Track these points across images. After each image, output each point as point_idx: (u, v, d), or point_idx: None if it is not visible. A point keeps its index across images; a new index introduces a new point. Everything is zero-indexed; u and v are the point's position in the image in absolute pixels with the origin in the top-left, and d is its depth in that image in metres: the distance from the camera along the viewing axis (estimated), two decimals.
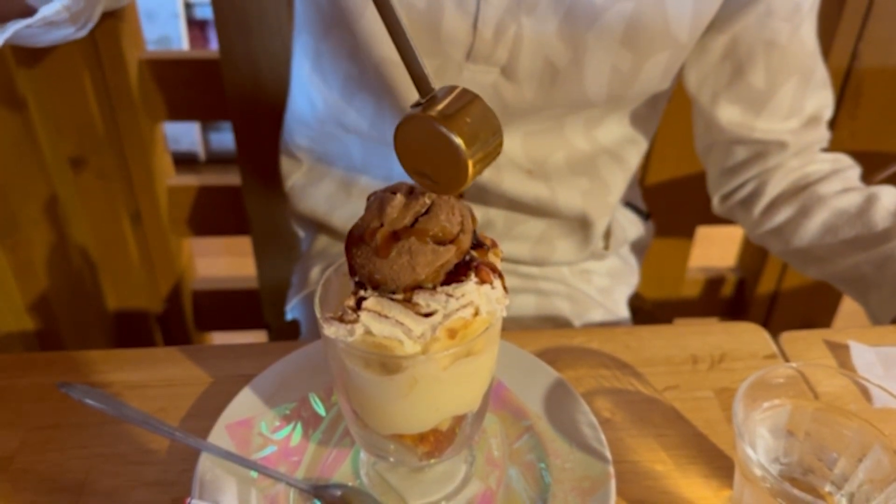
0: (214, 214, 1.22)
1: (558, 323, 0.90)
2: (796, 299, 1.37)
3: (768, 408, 0.53)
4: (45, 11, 0.57)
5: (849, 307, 1.23)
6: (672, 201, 1.22)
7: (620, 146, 0.86)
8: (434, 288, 0.46)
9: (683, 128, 0.95)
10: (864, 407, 0.52)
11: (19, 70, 0.98)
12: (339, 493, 0.55)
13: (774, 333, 0.72)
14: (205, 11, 2.50)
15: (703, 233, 1.30)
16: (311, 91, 0.85)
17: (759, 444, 0.53)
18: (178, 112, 1.11)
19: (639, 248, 1.03)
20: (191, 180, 1.19)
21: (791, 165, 0.84)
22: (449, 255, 0.46)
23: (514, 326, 0.88)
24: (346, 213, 0.90)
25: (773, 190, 0.84)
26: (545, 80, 0.74)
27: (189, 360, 0.68)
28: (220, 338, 1.48)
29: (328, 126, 0.86)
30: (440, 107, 0.43)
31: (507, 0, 0.69)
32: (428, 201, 0.46)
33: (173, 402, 0.64)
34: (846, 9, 1.07)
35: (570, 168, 0.83)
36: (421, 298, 0.45)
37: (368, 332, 0.45)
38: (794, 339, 0.71)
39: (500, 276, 0.47)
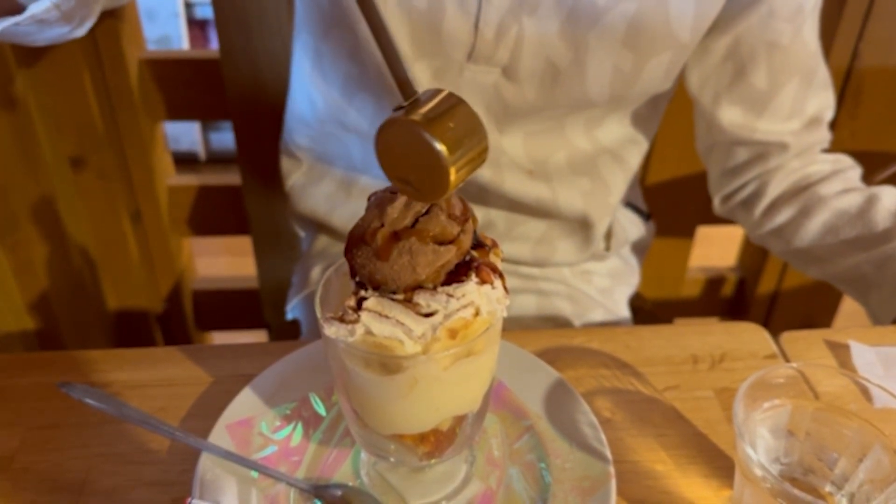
0: (214, 214, 1.22)
1: (559, 323, 0.90)
2: (796, 299, 1.37)
3: (769, 408, 0.53)
4: (33, 9, 0.56)
5: (849, 307, 1.24)
6: (672, 201, 1.22)
7: (621, 146, 0.86)
8: (434, 288, 0.45)
9: (684, 128, 0.95)
10: (865, 407, 0.52)
11: (19, 70, 0.98)
12: (339, 492, 0.55)
13: (775, 333, 0.72)
14: (205, 11, 2.50)
15: (704, 233, 1.30)
16: (311, 90, 0.84)
17: (760, 444, 0.53)
18: (179, 112, 1.11)
19: (639, 249, 1.03)
20: (191, 180, 1.19)
21: (792, 166, 0.84)
22: (449, 256, 0.46)
23: (514, 326, 0.88)
24: (347, 212, 0.90)
25: (773, 191, 0.84)
26: (546, 80, 0.74)
27: (189, 359, 0.68)
28: (220, 337, 1.48)
29: (328, 126, 0.86)
30: (423, 111, 0.42)
31: (508, 0, 0.69)
32: None
33: (173, 401, 0.64)
34: (847, 8, 1.07)
35: (571, 168, 0.83)
36: (421, 298, 0.45)
37: (369, 332, 0.45)
38: (794, 338, 0.71)
39: (501, 277, 0.47)
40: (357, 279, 0.47)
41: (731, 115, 0.81)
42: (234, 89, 1.05)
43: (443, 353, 0.46)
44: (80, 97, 1.05)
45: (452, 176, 0.42)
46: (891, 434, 0.50)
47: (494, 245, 0.49)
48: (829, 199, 0.82)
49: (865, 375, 0.61)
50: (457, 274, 0.46)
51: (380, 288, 0.46)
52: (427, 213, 0.46)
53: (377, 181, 0.87)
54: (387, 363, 0.46)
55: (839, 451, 0.52)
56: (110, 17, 1.00)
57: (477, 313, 0.46)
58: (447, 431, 0.52)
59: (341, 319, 0.45)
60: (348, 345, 0.46)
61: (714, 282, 1.41)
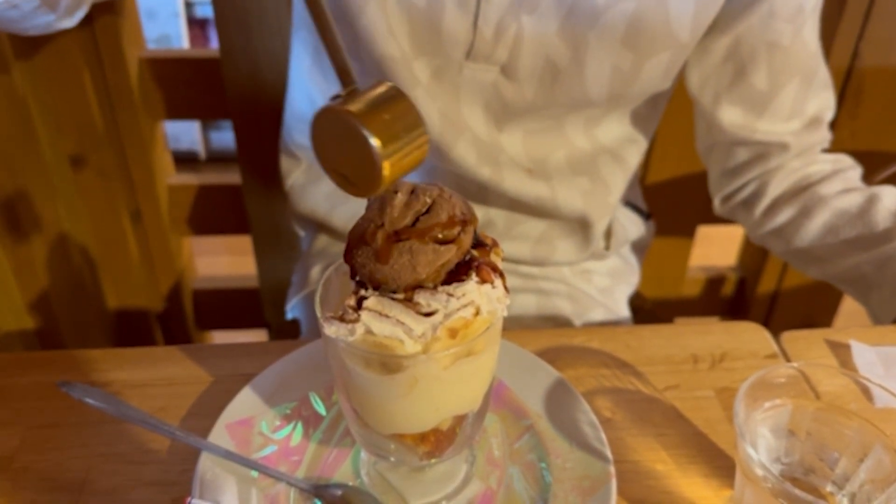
0: (215, 213, 1.22)
1: (559, 322, 0.90)
2: (797, 299, 1.37)
3: (769, 407, 0.53)
4: None
5: (849, 306, 1.23)
6: (672, 201, 1.22)
7: (621, 145, 0.86)
8: (435, 287, 0.45)
9: (684, 127, 0.95)
10: (866, 407, 0.52)
11: (19, 68, 0.98)
12: (339, 492, 0.55)
13: (775, 333, 0.72)
14: (205, 10, 2.50)
15: (704, 232, 1.30)
16: (310, 87, 0.84)
17: (761, 443, 0.53)
18: (179, 111, 1.11)
19: (639, 248, 1.03)
20: (191, 179, 1.19)
21: (792, 166, 0.84)
22: (450, 255, 0.46)
23: (514, 326, 0.88)
24: (346, 212, 0.90)
25: (774, 191, 0.84)
26: (546, 79, 0.74)
27: (189, 359, 0.68)
28: (220, 337, 1.48)
29: None
30: (359, 101, 0.41)
31: None
32: (429, 200, 0.46)
33: (173, 401, 0.64)
34: (847, 8, 1.07)
35: (570, 167, 0.83)
36: (422, 298, 0.45)
37: (369, 331, 0.45)
38: (794, 338, 0.71)
39: (501, 276, 0.47)
40: (357, 279, 0.47)
41: (731, 116, 0.81)
42: (234, 89, 1.05)
43: (443, 353, 0.46)
44: (80, 96, 1.05)
45: (386, 170, 0.41)
46: (892, 434, 0.50)
47: (495, 244, 0.49)
48: (829, 199, 0.81)
49: (866, 375, 0.61)
50: (457, 273, 0.46)
51: (380, 287, 0.46)
52: (427, 212, 0.46)
53: None
54: (387, 362, 0.46)
55: (840, 451, 0.52)
56: (110, 15, 1.00)
57: (477, 313, 0.46)
58: (447, 431, 0.52)
59: (341, 319, 0.45)
60: (348, 344, 0.46)
61: (714, 281, 1.41)
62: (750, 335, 0.71)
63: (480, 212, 0.85)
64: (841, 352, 0.69)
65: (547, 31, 0.71)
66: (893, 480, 0.48)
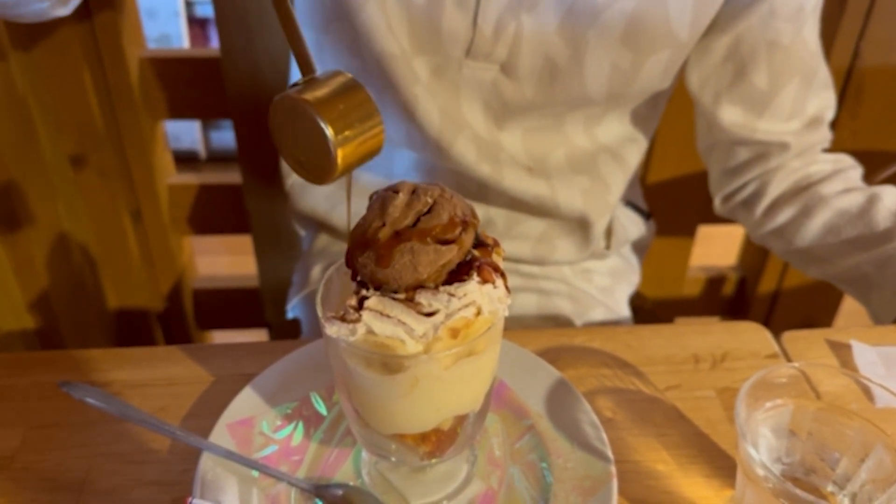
0: (215, 213, 1.22)
1: (559, 322, 0.90)
2: (797, 298, 1.37)
3: (770, 407, 0.53)
4: None
5: (850, 306, 1.23)
6: (673, 200, 1.22)
7: (621, 145, 0.86)
8: (436, 287, 0.45)
9: (684, 127, 0.95)
10: (867, 406, 0.52)
11: (19, 68, 0.98)
12: (340, 492, 0.55)
13: (775, 332, 0.72)
14: (205, 9, 2.50)
15: (704, 232, 1.30)
16: None
17: (762, 443, 0.53)
18: (179, 110, 1.11)
19: (640, 248, 1.03)
20: (191, 178, 1.19)
21: (793, 166, 0.84)
22: (451, 255, 0.46)
23: (515, 325, 0.88)
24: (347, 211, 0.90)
25: (774, 190, 0.84)
26: (545, 77, 0.74)
27: (190, 358, 0.68)
28: (220, 336, 1.48)
29: None
30: (315, 90, 0.42)
31: None
32: (430, 200, 0.46)
33: (174, 401, 0.64)
34: (848, 8, 1.07)
35: (570, 166, 0.83)
36: (423, 298, 0.45)
37: (370, 331, 0.45)
38: (795, 338, 0.71)
39: (503, 276, 0.47)
40: (358, 279, 0.47)
41: (731, 115, 0.81)
42: (235, 88, 1.05)
43: (444, 353, 0.46)
44: (81, 96, 1.05)
45: (339, 158, 0.42)
46: (893, 434, 0.50)
47: (496, 244, 0.49)
48: (830, 199, 0.81)
49: (867, 375, 0.61)
50: (458, 273, 0.46)
51: (381, 287, 0.46)
52: (429, 212, 0.46)
53: (377, 179, 0.87)
54: (388, 362, 0.46)
55: (841, 451, 0.52)
56: (110, 14, 0.99)
57: (478, 313, 0.46)
58: (448, 431, 0.52)
59: (342, 319, 0.45)
60: (349, 344, 0.46)
61: (715, 281, 1.41)
62: (751, 335, 0.71)
63: (481, 211, 0.85)
64: (842, 352, 0.69)
65: (546, 30, 0.71)
66: (894, 480, 0.48)
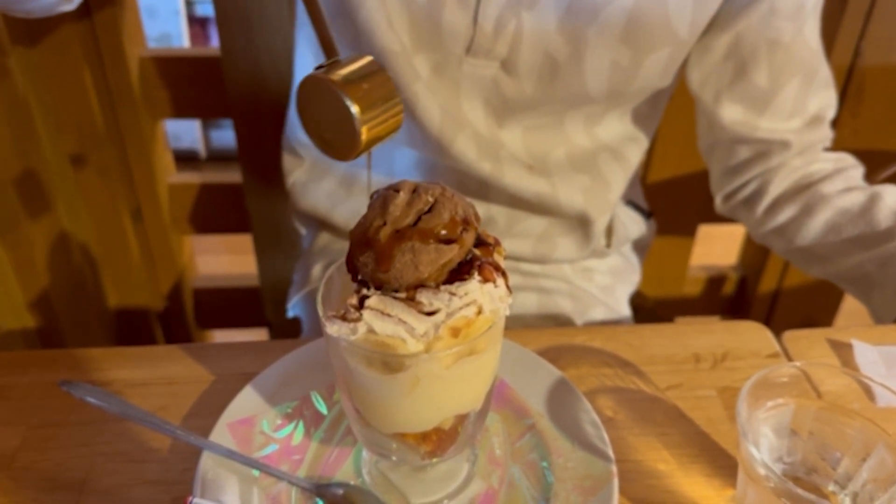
0: (215, 212, 1.22)
1: (560, 321, 0.90)
2: (798, 298, 1.37)
3: (772, 407, 0.53)
4: None
5: (850, 306, 1.23)
6: (673, 200, 1.22)
7: (621, 144, 0.86)
8: (437, 286, 0.45)
9: (685, 126, 0.94)
10: (868, 406, 0.52)
11: (20, 68, 0.98)
12: (341, 491, 0.55)
13: (776, 332, 0.72)
14: (206, 9, 2.50)
15: (705, 231, 1.30)
16: None
17: (763, 443, 0.53)
18: (179, 110, 1.11)
19: (640, 247, 1.03)
20: (192, 178, 1.19)
21: (794, 165, 0.84)
22: (452, 254, 0.45)
23: (515, 324, 0.88)
24: (348, 210, 0.90)
25: (775, 189, 0.84)
26: (545, 74, 0.74)
27: (190, 358, 0.68)
28: (221, 335, 1.48)
29: None
30: (341, 71, 0.45)
31: None
32: (431, 199, 0.46)
33: (175, 400, 0.64)
34: (848, 7, 1.07)
35: (570, 164, 0.83)
36: (424, 297, 0.45)
37: (371, 330, 0.45)
38: (796, 337, 0.71)
39: (504, 275, 0.47)
40: (359, 278, 0.47)
41: (732, 114, 0.81)
42: (235, 87, 1.05)
43: (445, 352, 0.46)
44: (81, 95, 1.05)
45: (364, 135, 0.44)
46: (894, 433, 0.50)
47: (497, 243, 0.49)
48: (831, 198, 0.81)
49: (868, 374, 0.62)
50: (459, 272, 0.46)
51: (382, 286, 0.46)
52: (430, 211, 0.46)
53: (378, 177, 0.87)
54: (389, 362, 0.46)
55: (842, 451, 0.52)
56: (110, 13, 0.99)
57: (479, 312, 0.46)
58: (449, 430, 0.52)
59: (343, 318, 0.45)
60: (350, 343, 0.46)
61: (715, 280, 1.41)
62: (752, 334, 0.71)
63: (482, 209, 0.85)
64: (843, 351, 0.69)
65: (546, 27, 0.71)
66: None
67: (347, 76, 0.45)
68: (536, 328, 0.78)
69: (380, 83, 0.46)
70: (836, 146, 0.86)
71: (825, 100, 0.82)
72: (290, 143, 0.93)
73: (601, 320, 0.93)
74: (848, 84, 1.14)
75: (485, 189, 0.83)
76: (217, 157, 2.61)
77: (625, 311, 0.97)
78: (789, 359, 0.69)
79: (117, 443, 0.60)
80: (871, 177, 0.86)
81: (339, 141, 0.46)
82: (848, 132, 1.17)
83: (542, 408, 0.62)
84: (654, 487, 0.58)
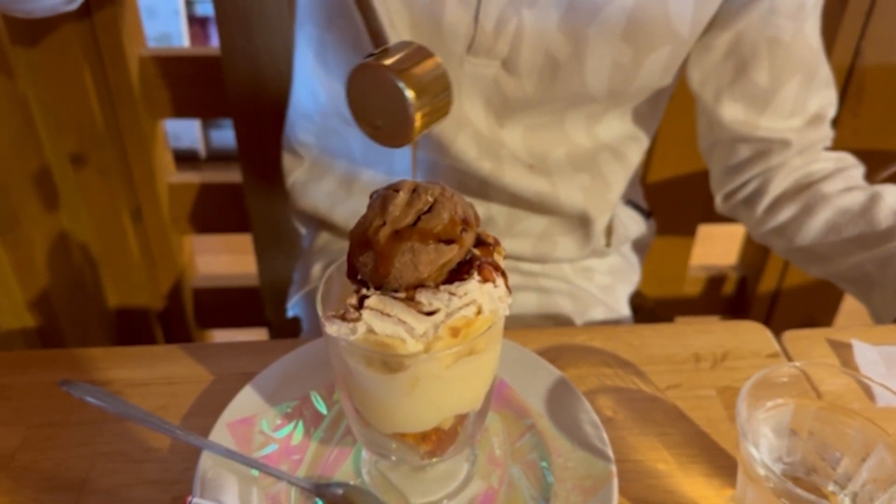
0: (215, 212, 1.22)
1: (560, 321, 0.90)
2: (798, 298, 1.37)
3: (771, 407, 0.53)
4: None
5: (850, 306, 1.23)
6: (673, 199, 1.22)
7: (621, 143, 0.86)
8: (437, 286, 0.45)
9: (685, 126, 0.94)
10: (868, 406, 0.52)
11: (19, 66, 0.98)
12: (340, 491, 0.55)
13: (776, 332, 0.72)
14: (206, 8, 2.50)
15: (705, 231, 1.30)
16: (314, 83, 0.84)
17: (763, 443, 0.53)
18: (179, 109, 1.11)
19: (640, 247, 1.03)
20: (192, 177, 1.19)
21: (794, 164, 0.84)
22: (451, 254, 0.45)
23: (515, 324, 0.88)
24: (347, 209, 0.90)
25: (776, 188, 0.84)
26: (546, 73, 0.74)
27: (190, 357, 0.68)
28: (220, 335, 1.48)
29: (330, 120, 0.86)
30: (394, 58, 0.45)
31: None
32: (430, 199, 0.46)
33: (174, 399, 0.64)
34: (849, 6, 1.07)
35: (571, 164, 0.83)
36: (423, 297, 0.45)
37: (371, 330, 0.45)
38: (796, 337, 0.71)
39: (504, 275, 0.47)
40: (359, 278, 0.47)
41: (732, 112, 0.81)
42: (235, 87, 1.05)
43: (445, 352, 0.46)
44: (81, 94, 1.05)
45: (418, 121, 0.45)
46: (894, 433, 0.50)
47: (497, 243, 0.49)
48: (831, 197, 0.81)
49: (868, 374, 0.61)
50: (459, 272, 0.46)
51: (381, 286, 0.46)
52: (429, 210, 0.46)
53: (378, 177, 0.87)
54: (388, 361, 0.46)
55: (842, 451, 0.52)
56: (110, 13, 0.99)
57: (479, 312, 0.46)
58: (449, 430, 0.52)
59: (343, 317, 0.45)
60: (350, 343, 0.46)
61: (715, 280, 1.41)
62: (752, 334, 0.71)
63: (482, 208, 0.84)
64: (842, 351, 0.69)
65: (547, 26, 0.71)
66: (895, 480, 0.48)
67: (400, 62, 0.45)
68: (536, 328, 0.78)
69: (430, 68, 0.46)
70: (837, 146, 0.86)
71: (825, 99, 0.82)
72: (289, 142, 0.93)
73: (601, 320, 0.93)
74: (848, 84, 1.14)
75: (485, 188, 0.83)
76: (217, 157, 2.61)
77: (624, 310, 0.97)
78: (789, 359, 0.69)
79: (117, 443, 0.60)
80: (871, 176, 0.86)
81: (391, 127, 0.46)
82: (848, 132, 1.17)
83: (541, 408, 0.62)
84: (654, 487, 0.58)
